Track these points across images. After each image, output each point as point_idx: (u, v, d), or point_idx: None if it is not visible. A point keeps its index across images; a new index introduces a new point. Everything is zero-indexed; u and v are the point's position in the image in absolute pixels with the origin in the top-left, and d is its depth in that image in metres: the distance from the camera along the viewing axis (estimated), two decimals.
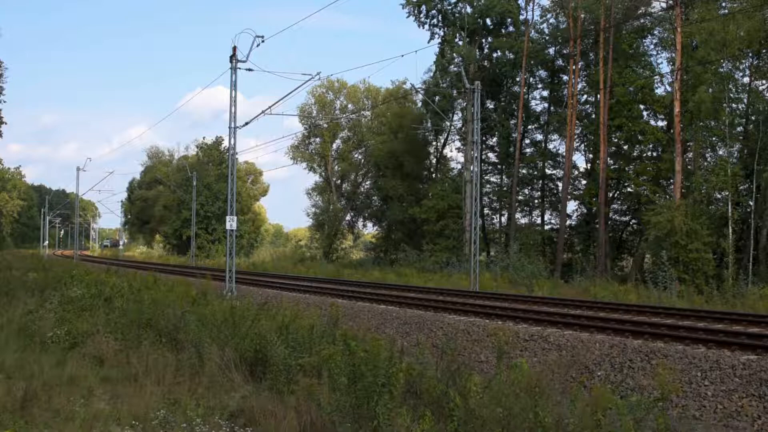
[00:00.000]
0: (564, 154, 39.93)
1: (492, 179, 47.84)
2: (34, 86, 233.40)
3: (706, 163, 33.76)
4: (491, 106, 44.72)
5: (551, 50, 42.43)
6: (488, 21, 42.99)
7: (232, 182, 24.74)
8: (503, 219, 47.49)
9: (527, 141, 44.87)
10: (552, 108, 43.47)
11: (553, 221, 44.22)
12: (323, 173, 59.66)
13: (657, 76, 37.47)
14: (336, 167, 59.13)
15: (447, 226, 41.17)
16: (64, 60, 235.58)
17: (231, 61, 23.49)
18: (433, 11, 43.96)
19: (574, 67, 37.92)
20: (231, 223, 23.97)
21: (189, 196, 58.19)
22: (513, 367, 7.25)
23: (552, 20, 42.34)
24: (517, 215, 43.73)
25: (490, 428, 6.08)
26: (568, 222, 40.50)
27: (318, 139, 58.84)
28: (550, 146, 44.21)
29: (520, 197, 44.01)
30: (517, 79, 42.69)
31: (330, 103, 58.02)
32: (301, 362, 8.56)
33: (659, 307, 18.23)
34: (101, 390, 8.57)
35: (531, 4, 44.55)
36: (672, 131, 32.37)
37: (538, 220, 45.03)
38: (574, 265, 36.54)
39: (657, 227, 28.00)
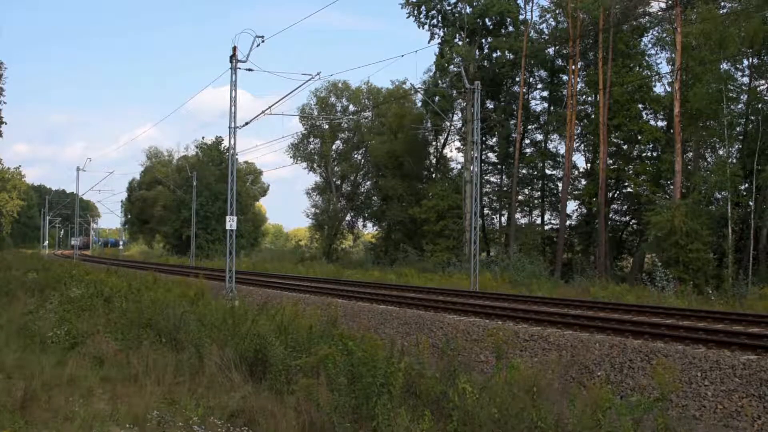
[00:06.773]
0: (564, 154, 39.95)
1: (492, 179, 47.93)
2: (40, 86, 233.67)
3: (706, 163, 33.76)
4: (491, 106, 44.74)
5: (551, 50, 42.46)
6: (488, 21, 43.00)
7: (232, 182, 24.74)
8: (503, 219, 47.54)
9: (527, 141, 44.95)
10: (552, 108, 43.51)
11: (553, 221, 44.33)
12: (323, 173, 59.62)
13: (655, 76, 37.51)
14: (336, 167, 59.08)
15: (447, 226, 41.18)
16: (69, 60, 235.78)
17: (231, 61, 23.51)
18: (433, 11, 43.98)
19: (573, 67, 37.94)
20: (231, 223, 23.97)
21: (189, 196, 58.14)
22: (510, 367, 7.26)
23: (551, 20, 42.45)
24: (517, 215, 43.75)
25: (488, 429, 6.08)
26: (568, 222, 40.52)
27: (318, 140, 58.80)
28: (550, 146, 44.33)
29: (520, 197, 44.03)
30: (517, 79, 42.71)
31: (332, 105, 57.97)
32: (299, 362, 8.56)
33: (659, 307, 18.22)
34: (101, 390, 8.56)
35: (530, 4, 44.77)
36: (672, 131, 32.37)
37: (538, 220, 45.13)
38: (574, 265, 36.58)
39: (657, 227, 28.01)
